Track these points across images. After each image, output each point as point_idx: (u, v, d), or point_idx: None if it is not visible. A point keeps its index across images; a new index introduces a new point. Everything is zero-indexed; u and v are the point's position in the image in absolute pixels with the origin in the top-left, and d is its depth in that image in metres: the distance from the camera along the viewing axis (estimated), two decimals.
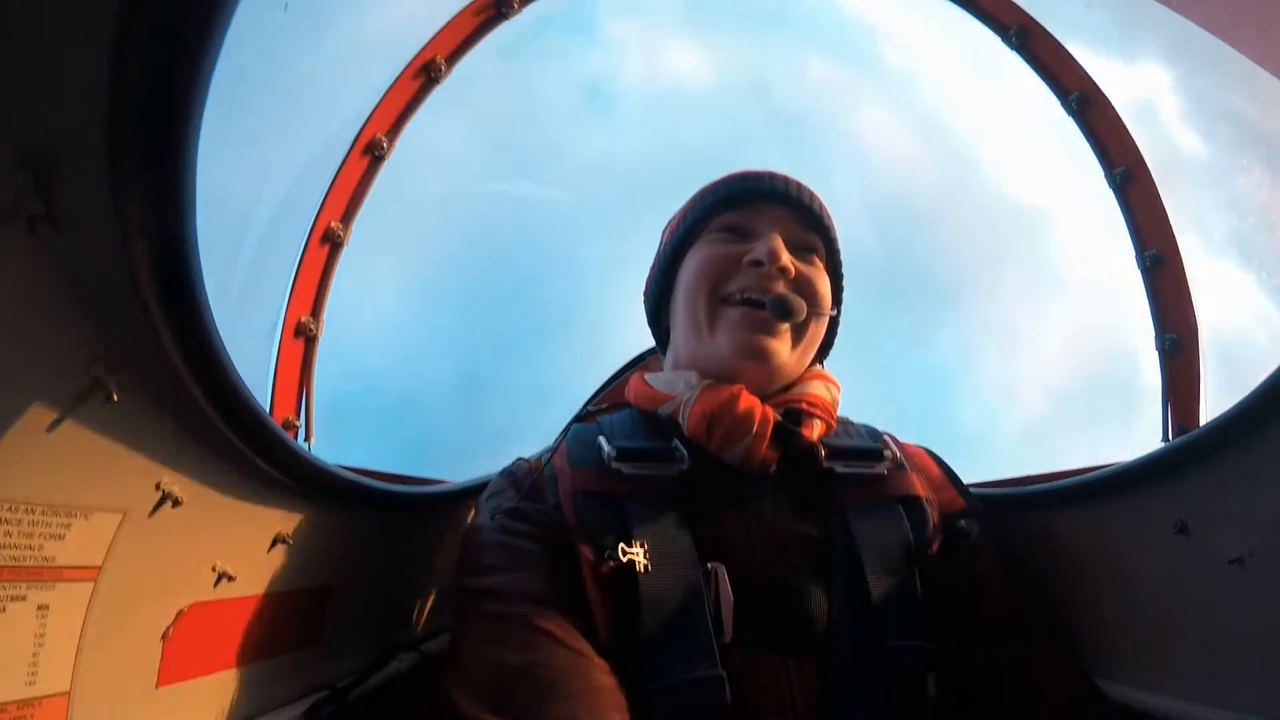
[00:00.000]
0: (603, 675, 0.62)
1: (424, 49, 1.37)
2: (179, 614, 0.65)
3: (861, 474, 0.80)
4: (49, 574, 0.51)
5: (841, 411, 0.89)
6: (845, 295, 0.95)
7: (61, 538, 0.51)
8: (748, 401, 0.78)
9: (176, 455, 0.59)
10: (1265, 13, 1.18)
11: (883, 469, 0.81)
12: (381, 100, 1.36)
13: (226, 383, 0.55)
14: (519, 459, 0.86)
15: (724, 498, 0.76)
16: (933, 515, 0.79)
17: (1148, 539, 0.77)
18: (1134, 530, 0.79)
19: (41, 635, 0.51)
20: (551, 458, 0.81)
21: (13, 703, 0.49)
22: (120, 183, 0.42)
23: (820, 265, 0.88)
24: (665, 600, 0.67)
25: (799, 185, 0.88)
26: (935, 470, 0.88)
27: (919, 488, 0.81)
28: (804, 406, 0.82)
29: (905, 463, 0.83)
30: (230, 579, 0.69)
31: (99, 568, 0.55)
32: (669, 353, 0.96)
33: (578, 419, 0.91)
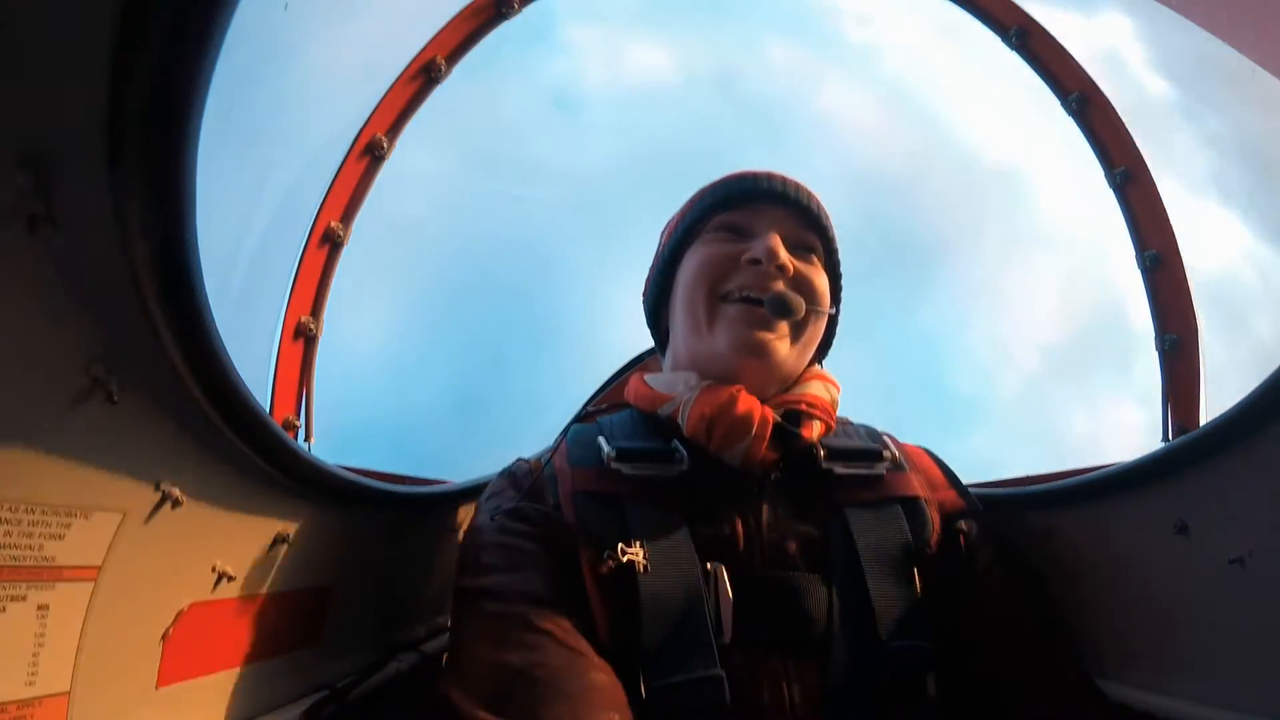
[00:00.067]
0: (601, 675, 0.62)
1: (424, 49, 1.37)
2: (179, 614, 0.65)
3: (860, 474, 0.80)
4: (49, 574, 0.51)
5: (840, 407, 0.89)
6: (844, 295, 0.95)
7: (61, 538, 0.51)
8: (747, 402, 0.78)
9: (176, 455, 0.59)
10: (1265, 13, 1.19)
11: (882, 469, 0.81)
12: (381, 100, 1.36)
13: (226, 383, 0.56)
14: (519, 459, 0.86)
15: (723, 498, 0.76)
16: (932, 515, 0.79)
17: (1148, 539, 0.77)
18: (1134, 530, 0.79)
19: (41, 635, 0.51)
20: (551, 458, 0.81)
21: (13, 703, 0.49)
22: (120, 183, 0.42)
23: (819, 264, 0.88)
24: (665, 600, 0.67)
25: (797, 185, 0.88)
26: (935, 470, 0.88)
27: (918, 488, 0.81)
28: (803, 407, 0.82)
29: (904, 463, 0.84)
30: (230, 579, 0.69)
31: (99, 568, 0.55)
32: (668, 353, 0.96)
33: (577, 419, 0.91)
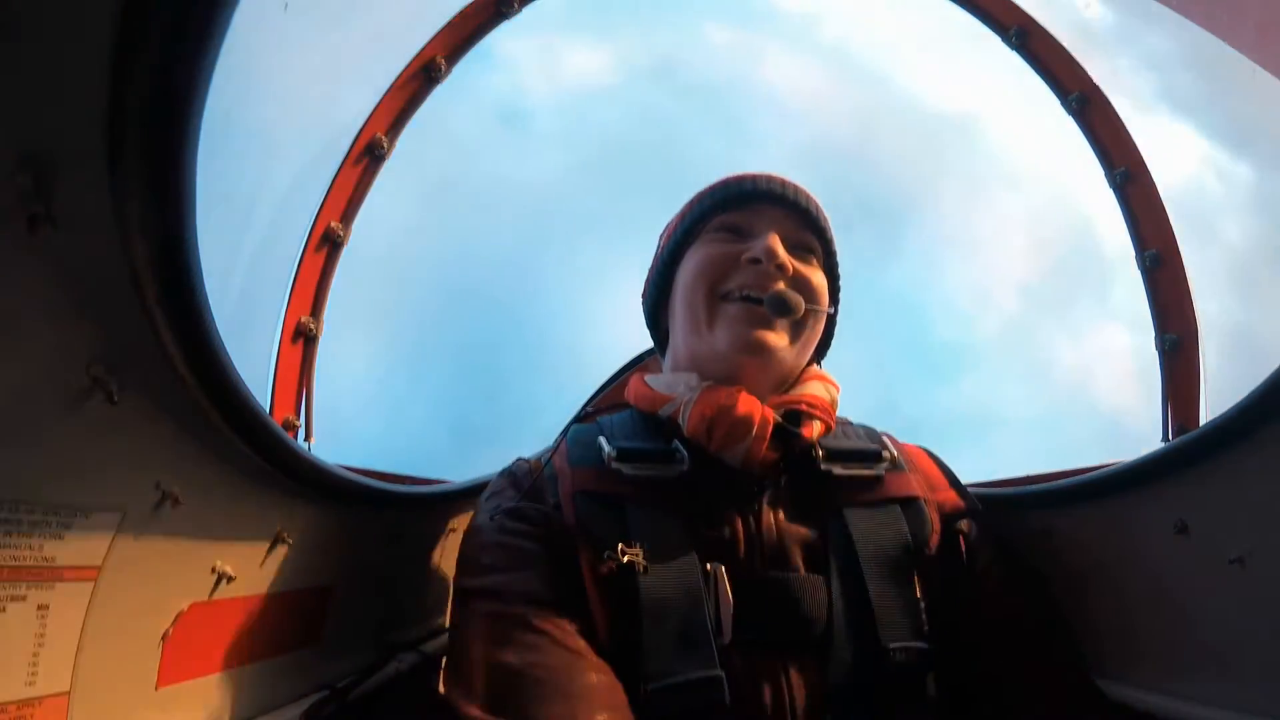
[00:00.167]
0: (600, 675, 0.62)
1: (424, 49, 1.37)
2: (179, 614, 0.65)
3: (859, 475, 0.80)
4: (49, 574, 0.51)
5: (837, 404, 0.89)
6: (841, 295, 0.95)
7: (61, 538, 0.51)
8: (747, 403, 0.78)
9: (176, 455, 0.59)
10: (1265, 13, 1.19)
11: (881, 470, 0.81)
12: (381, 100, 1.36)
13: (226, 382, 0.56)
14: (519, 459, 0.86)
15: (723, 499, 0.76)
16: (931, 515, 0.79)
17: (1148, 539, 0.77)
18: (1134, 530, 0.79)
19: (41, 635, 0.51)
20: (551, 458, 0.81)
21: (13, 703, 0.49)
22: (120, 183, 0.42)
23: (817, 265, 0.88)
24: (664, 601, 0.67)
25: (795, 187, 0.89)
26: (934, 470, 0.88)
27: (917, 488, 0.81)
28: (803, 407, 0.82)
29: (903, 463, 0.84)
30: (230, 579, 0.69)
31: (99, 568, 0.55)
32: (668, 353, 0.96)
33: (577, 419, 0.91)
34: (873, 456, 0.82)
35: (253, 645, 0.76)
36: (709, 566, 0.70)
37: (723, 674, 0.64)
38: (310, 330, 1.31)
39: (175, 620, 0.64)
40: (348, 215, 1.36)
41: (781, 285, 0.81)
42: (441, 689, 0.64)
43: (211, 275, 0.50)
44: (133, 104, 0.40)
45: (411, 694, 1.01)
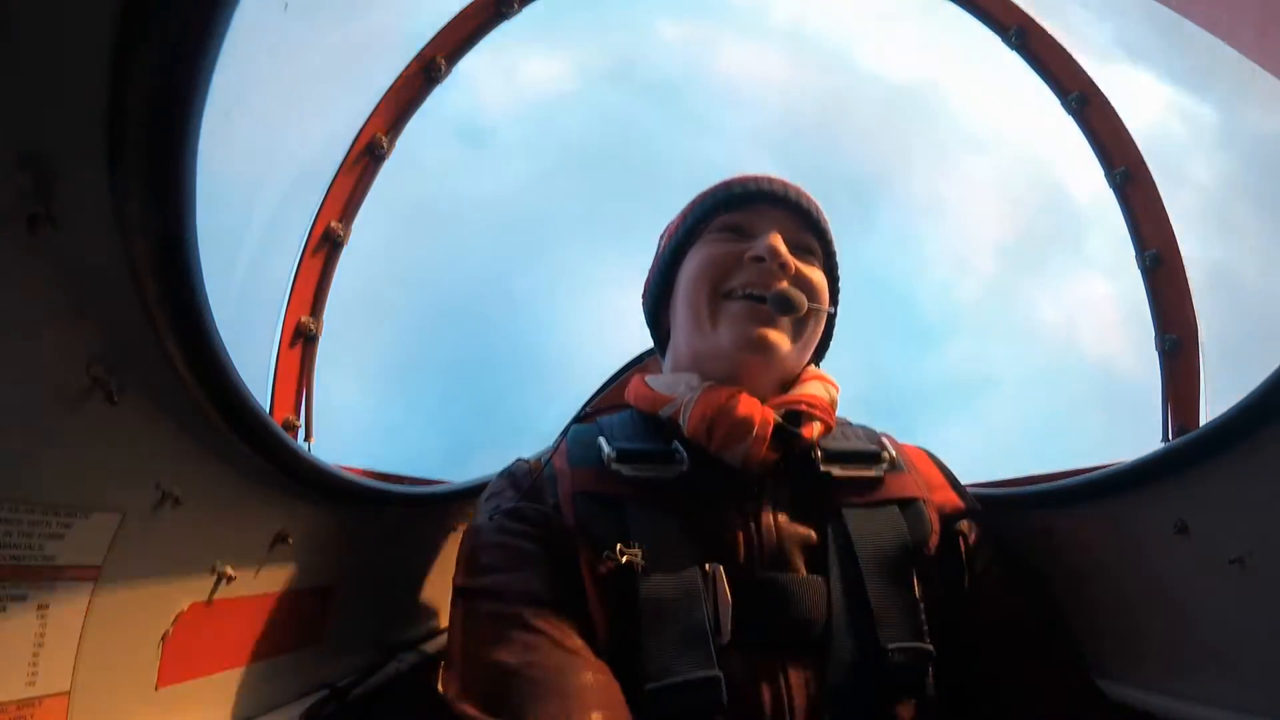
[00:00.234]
0: (596, 674, 0.62)
1: (424, 49, 1.37)
2: (179, 614, 0.65)
3: (859, 476, 0.80)
4: (49, 574, 0.51)
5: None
6: (840, 297, 0.96)
7: (61, 538, 0.51)
8: (748, 403, 0.78)
9: (176, 455, 0.59)
10: (1265, 13, 1.18)
11: (880, 471, 0.81)
12: (381, 100, 1.36)
13: (226, 382, 0.56)
14: (519, 459, 0.86)
15: (723, 499, 0.76)
16: (930, 516, 0.79)
17: (1148, 539, 0.77)
18: (1134, 530, 0.79)
19: (41, 635, 0.51)
20: (551, 458, 0.81)
21: (13, 703, 0.49)
22: (120, 183, 0.42)
23: (818, 265, 0.89)
24: (663, 601, 0.67)
25: (797, 189, 0.90)
26: (933, 471, 0.88)
27: (916, 489, 0.81)
28: (803, 407, 0.82)
29: (903, 464, 0.84)
30: (230, 579, 0.69)
31: (99, 568, 0.55)
32: (668, 353, 0.96)
33: (577, 419, 0.91)
34: (872, 457, 0.82)
35: (253, 645, 0.76)
36: (708, 567, 0.70)
37: (720, 674, 0.64)
38: (310, 330, 1.31)
39: (175, 620, 0.64)
40: (347, 215, 1.36)
41: (785, 284, 0.82)
42: (440, 688, 0.64)
43: (211, 275, 0.50)
44: (133, 104, 0.40)
45: (411, 694, 1.01)
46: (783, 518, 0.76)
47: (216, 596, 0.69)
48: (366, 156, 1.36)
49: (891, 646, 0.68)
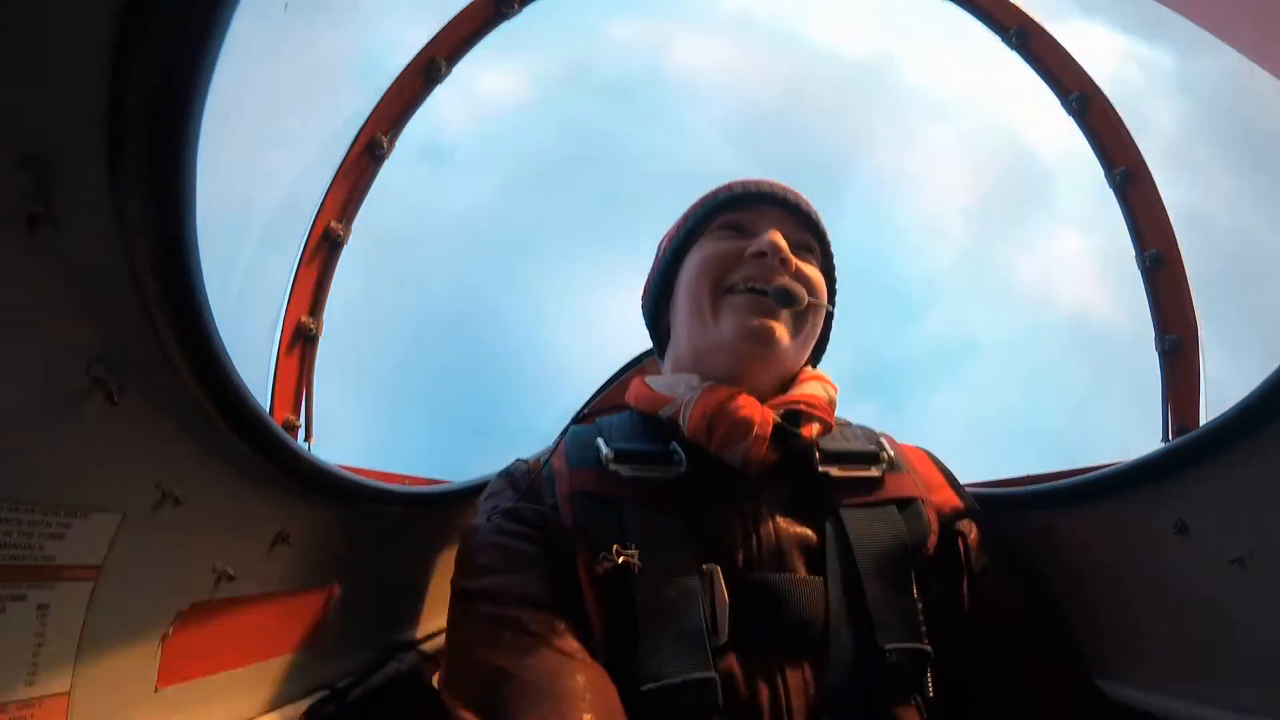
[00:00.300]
0: (590, 676, 0.62)
1: (424, 49, 1.37)
2: (179, 614, 0.65)
3: (857, 477, 0.80)
4: (49, 574, 0.51)
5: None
6: (838, 298, 0.97)
7: (61, 537, 0.51)
8: (748, 402, 0.78)
9: (176, 455, 0.59)
10: (1265, 13, 1.19)
11: (878, 471, 0.81)
12: (381, 100, 1.36)
13: (226, 382, 0.55)
14: (518, 460, 0.87)
15: (722, 499, 0.76)
16: (929, 516, 0.79)
17: (1148, 539, 0.77)
18: (1134, 530, 0.79)
19: (41, 635, 0.51)
20: (550, 459, 0.81)
21: (13, 703, 0.49)
22: (120, 183, 0.42)
23: (816, 264, 0.90)
24: (660, 602, 0.67)
25: (795, 192, 0.92)
26: (932, 471, 0.88)
27: (915, 489, 0.81)
28: (803, 407, 0.82)
29: (901, 464, 0.84)
30: (230, 579, 0.69)
31: (99, 568, 0.55)
32: (668, 353, 0.96)
33: (577, 420, 0.92)
34: (870, 458, 0.82)
35: (253, 645, 0.76)
36: (705, 568, 0.70)
37: (715, 675, 0.64)
38: (310, 330, 1.31)
39: (175, 620, 0.64)
40: (347, 215, 1.36)
41: (786, 278, 0.83)
42: (435, 689, 0.64)
43: (211, 275, 0.50)
44: (133, 104, 0.40)
45: (411, 694, 1.01)
46: (781, 518, 0.76)
47: (216, 596, 0.69)
48: (366, 156, 1.36)
49: (889, 647, 0.68)
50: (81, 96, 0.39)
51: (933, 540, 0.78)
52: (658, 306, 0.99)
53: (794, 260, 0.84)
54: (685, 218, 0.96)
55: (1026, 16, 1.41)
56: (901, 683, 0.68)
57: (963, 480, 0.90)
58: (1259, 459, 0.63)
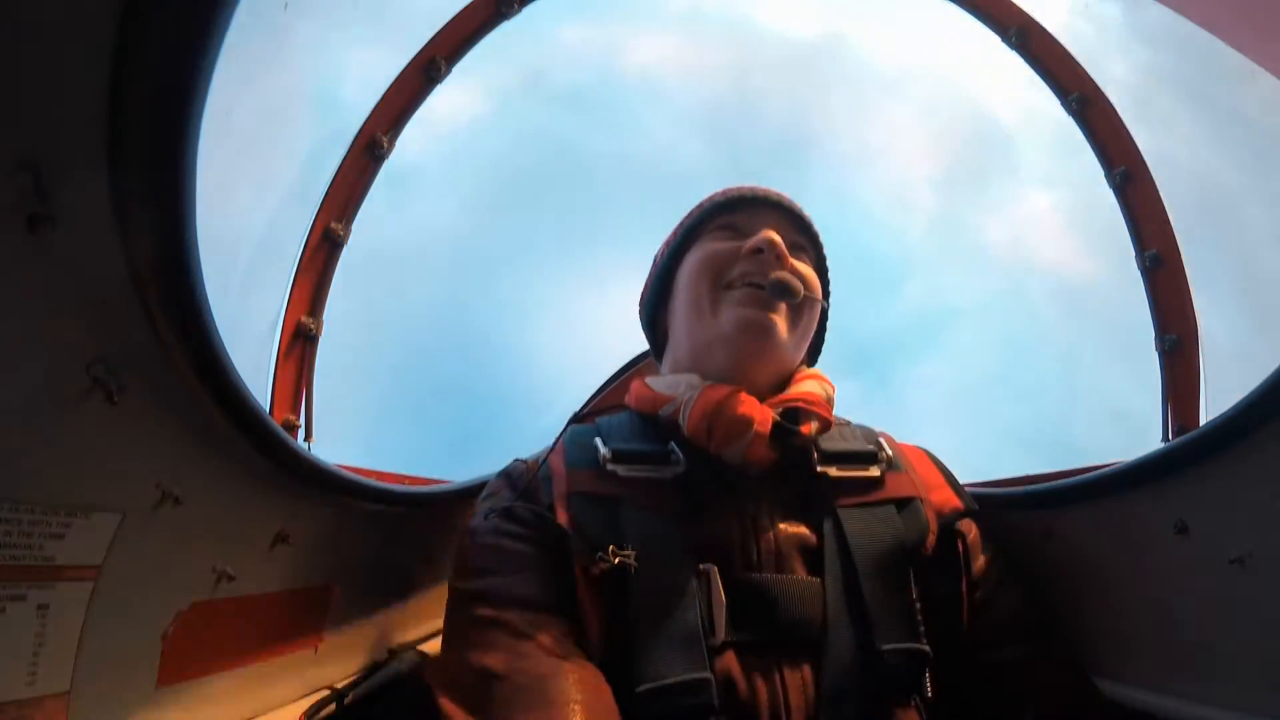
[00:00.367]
0: (584, 679, 0.62)
1: (424, 49, 1.37)
2: (179, 614, 0.65)
3: (856, 476, 0.80)
4: (49, 574, 0.51)
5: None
6: (832, 298, 0.99)
7: (61, 538, 0.51)
8: (747, 401, 0.79)
9: (176, 455, 0.59)
10: (1265, 13, 1.18)
11: (877, 471, 0.81)
12: (381, 100, 1.36)
13: (226, 382, 0.56)
14: (516, 460, 0.87)
15: (720, 499, 0.76)
16: (928, 516, 0.79)
17: (1148, 539, 0.77)
18: (1134, 530, 0.79)
19: (41, 635, 0.51)
20: (548, 459, 0.81)
21: (13, 703, 0.49)
22: (120, 183, 0.42)
23: (809, 264, 0.93)
24: (656, 602, 0.67)
25: (789, 198, 0.96)
26: (932, 470, 0.88)
27: (914, 488, 0.81)
28: (801, 405, 0.82)
29: (900, 463, 0.84)
30: (230, 579, 0.69)
31: (99, 567, 0.55)
32: (667, 355, 0.97)
33: (575, 420, 0.92)
34: (869, 457, 0.82)
35: (253, 645, 0.76)
36: (702, 567, 0.70)
37: (711, 676, 0.64)
38: (310, 330, 1.31)
39: (175, 620, 0.64)
40: (347, 215, 1.36)
41: (782, 273, 0.84)
42: (431, 690, 0.65)
43: (211, 275, 0.50)
44: (133, 104, 0.40)
45: (411, 694, 1.01)
46: (780, 519, 0.76)
47: (216, 596, 0.69)
48: (366, 156, 1.36)
49: (887, 648, 0.68)
50: (81, 96, 0.39)
51: (931, 540, 0.78)
52: (655, 310, 1.00)
53: (789, 257, 0.87)
54: (683, 222, 0.98)
55: (1026, 16, 1.41)
56: (900, 683, 0.68)
57: (962, 480, 0.90)
58: (1259, 459, 0.63)
